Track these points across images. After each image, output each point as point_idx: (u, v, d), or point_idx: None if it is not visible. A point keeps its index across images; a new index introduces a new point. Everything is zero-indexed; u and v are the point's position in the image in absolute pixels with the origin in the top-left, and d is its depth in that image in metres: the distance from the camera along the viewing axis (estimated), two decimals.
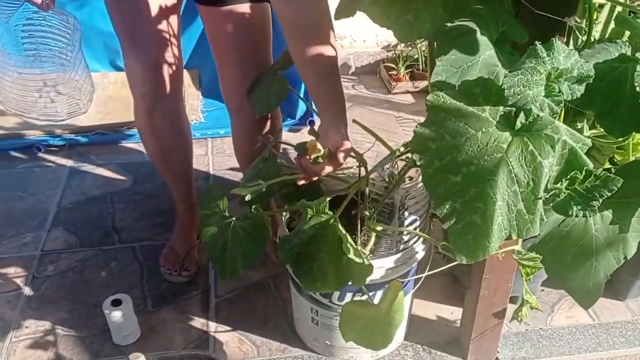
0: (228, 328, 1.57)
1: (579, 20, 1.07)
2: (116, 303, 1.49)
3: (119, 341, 1.52)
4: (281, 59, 1.40)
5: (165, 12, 1.45)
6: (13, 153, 2.28)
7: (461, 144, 0.90)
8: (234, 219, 1.22)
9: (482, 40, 1.00)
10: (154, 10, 1.42)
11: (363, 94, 2.77)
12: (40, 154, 2.27)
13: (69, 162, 2.25)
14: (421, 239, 1.34)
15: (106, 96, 2.57)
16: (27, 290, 1.68)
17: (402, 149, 1.29)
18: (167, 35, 1.48)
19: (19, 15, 2.28)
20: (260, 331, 1.56)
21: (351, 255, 1.09)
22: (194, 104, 2.59)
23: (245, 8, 1.42)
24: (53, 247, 1.84)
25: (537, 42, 0.90)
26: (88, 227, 1.92)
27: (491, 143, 0.88)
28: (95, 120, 2.43)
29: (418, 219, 1.35)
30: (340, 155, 1.12)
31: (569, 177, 0.88)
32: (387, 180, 1.30)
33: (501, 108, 0.90)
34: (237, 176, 2.15)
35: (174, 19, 1.48)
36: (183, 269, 1.71)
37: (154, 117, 1.57)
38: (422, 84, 2.76)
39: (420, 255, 1.36)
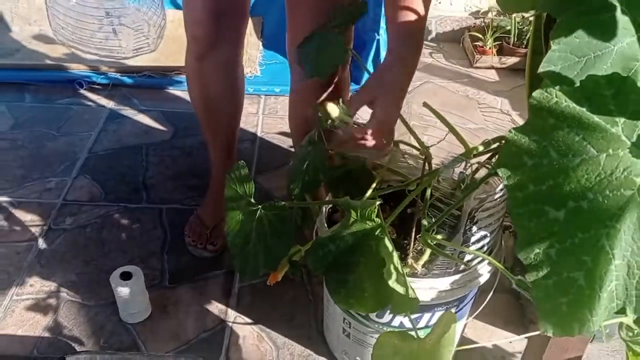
0: (248, 320, 1.37)
1: None
2: (126, 276, 1.31)
3: (125, 318, 1.35)
4: (342, 13, 1.13)
5: None
6: (54, 86, 2.12)
7: (573, 166, 0.63)
8: (260, 207, 1.00)
9: (622, 21, 0.70)
10: None
11: (440, 64, 2.46)
12: (81, 91, 2.11)
13: (109, 104, 2.08)
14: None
15: None
16: (39, 243, 1.52)
17: (480, 148, 1.02)
18: None
19: None
20: (283, 329, 1.36)
21: (392, 284, 0.85)
22: (253, 54, 2.36)
23: None
24: (76, 197, 1.68)
25: None
26: (116, 179, 1.75)
27: (619, 173, 0.61)
28: (146, 61, 2.24)
29: (488, 235, 1.09)
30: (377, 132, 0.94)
31: None
32: (456, 184, 1.04)
33: None
34: (286, 142, 1.92)
35: None
36: (209, 242, 1.52)
37: (205, 65, 1.36)
38: (510, 60, 2.42)
39: (483, 278, 1.10)
